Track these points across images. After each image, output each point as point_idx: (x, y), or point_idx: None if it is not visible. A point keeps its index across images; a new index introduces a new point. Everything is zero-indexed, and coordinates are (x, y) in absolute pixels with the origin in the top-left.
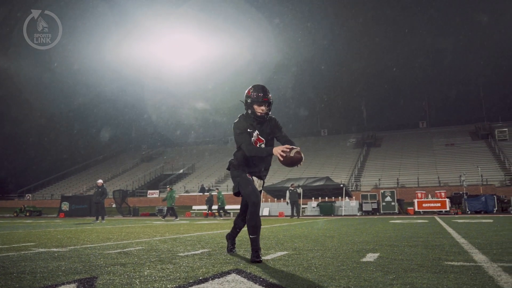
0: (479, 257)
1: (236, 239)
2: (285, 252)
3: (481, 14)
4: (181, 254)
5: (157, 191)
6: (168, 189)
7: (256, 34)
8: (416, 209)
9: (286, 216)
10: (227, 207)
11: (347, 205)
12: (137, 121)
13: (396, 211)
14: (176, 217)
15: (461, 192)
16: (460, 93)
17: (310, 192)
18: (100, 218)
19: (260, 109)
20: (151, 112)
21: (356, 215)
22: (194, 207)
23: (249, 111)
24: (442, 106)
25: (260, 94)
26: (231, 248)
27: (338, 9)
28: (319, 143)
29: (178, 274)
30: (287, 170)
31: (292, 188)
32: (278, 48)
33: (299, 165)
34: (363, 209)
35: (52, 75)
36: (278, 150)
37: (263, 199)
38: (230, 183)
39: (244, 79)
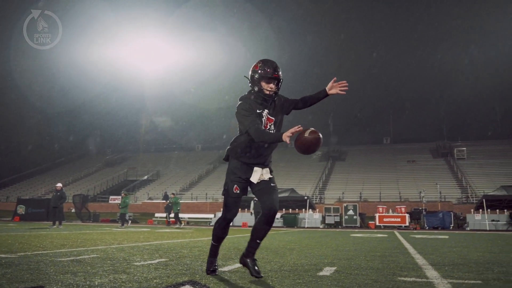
0: (431, 273)
1: (197, 249)
2: None
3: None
4: (137, 263)
5: (120, 197)
6: (123, 194)
7: (229, 41)
8: (377, 224)
9: (250, 226)
10: (186, 215)
11: (311, 218)
12: (102, 124)
13: (358, 224)
14: (122, 225)
15: (420, 208)
16: (423, 112)
17: None
18: (57, 223)
19: (268, 87)
20: (117, 116)
21: (319, 228)
22: (156, 215)
23: (255, 89)
24: (406, 124)
25: (269, 69)
26: (253, 268)
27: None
28: (285, 155)
29: (131, 285)
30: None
31: (257, 199)
32: (250, 56)
33: (317, 151)
34: (326, 222)
35: (20, 74)
36: (287, 134)
37: None
38: (195, 191)
39: (215, 86)
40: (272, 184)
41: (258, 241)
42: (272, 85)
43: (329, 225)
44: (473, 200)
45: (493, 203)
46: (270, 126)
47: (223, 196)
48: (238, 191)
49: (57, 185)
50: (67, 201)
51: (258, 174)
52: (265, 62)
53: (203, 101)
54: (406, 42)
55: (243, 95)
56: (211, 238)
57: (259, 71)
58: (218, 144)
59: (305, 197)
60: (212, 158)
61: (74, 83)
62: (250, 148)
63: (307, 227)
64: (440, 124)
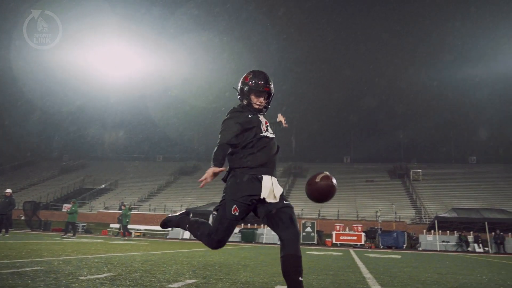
0: None
1: (149, 263)
2: (194, 281)
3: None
4: (83, 277)
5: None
6: (72, 202)
7: (193, 51)
8: (334, 241)
9: None
10: (142, 227)
11: (269, 233)
12: (60, 128)
13: (315, 242)
14: (65, 234)
15: (376, 227)
16: (383, 134)
17: None
18: (3, 231)
19: (258, 101)
20: (78, 121)
21: (276, 244)
22: (112, 225)
23: (244, 102)
24: (366, 144)
25: (260, 81)
26: None
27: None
28: None
29: None
30: (212, 193)
31: (216, 213)
32: (215, 67)
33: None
34: None
35: None
36: (215, 170)
37: None
38: (154, 203)
39: (178, 96)
40: (287, 207)
41: None
42: (262, 99)
43: None
44: (426, 221)
45: (444, 225)
46: (267, 127)
47: (214, 213)
48: (236, 213)
49: (6, 191)
50: (16, 208)
51: (268, 186)
52: (256, 74)
53: (167, 111)
54: (369, 64)
55: (233, 107)
56: (174, 251)
57: (249, 83)
58: (180, 155)
59: None
60: (173, 169)
61: (33, 85)
62: (263, 158)
63: (265, 243)
64: (398, 146)
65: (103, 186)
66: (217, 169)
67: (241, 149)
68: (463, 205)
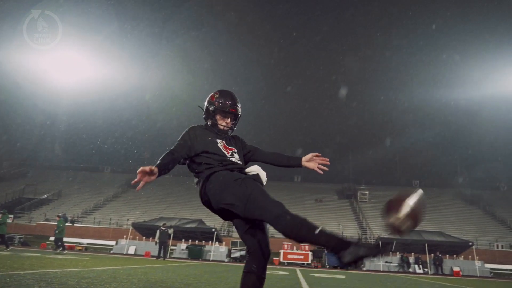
0: None
1: (86, 280)
2: None
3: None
4: None
5: (11, 216)
6: (0, 213)
7: (146, 61)
8: (281, 260)
9: (152, 256)
10: (85, 240)
11: (216, 250)
12: (1, 133)
13: None
14: (7, 247)
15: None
16: (332, 154)
17: (181, 234)
18: None
19: (224, 122)
20: (21, 126)
21: (224, 261)
22: (51, 238)
23: (209, 123)
24: None
25: (227, 102)
26: None
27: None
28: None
29: None
30: (161, 208)
31: (163, 228)
32: (165, 80)
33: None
34: (232, 255)
35: None
36: (148, 169)
37: (131, 236)
38: (99, 215)
39: (129, 107)
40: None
41: None
42: (228, 121)
43: (235, 259)
44: (371, 241)
45: (388, 246)
46: (232, 153)
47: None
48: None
49: None
50: None
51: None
52: (222, 94)
53: (117, 122)
54: (320, 86)
55: (196, 125)
56: (116, 267)
57: (215, 103)
58: (129, 167)
59: (213, 229)
60: (121, 182)
61: None
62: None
63: (212, 260)
64: (347, 168)
65: (45, 196)
66: (147, 168)
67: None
68: None
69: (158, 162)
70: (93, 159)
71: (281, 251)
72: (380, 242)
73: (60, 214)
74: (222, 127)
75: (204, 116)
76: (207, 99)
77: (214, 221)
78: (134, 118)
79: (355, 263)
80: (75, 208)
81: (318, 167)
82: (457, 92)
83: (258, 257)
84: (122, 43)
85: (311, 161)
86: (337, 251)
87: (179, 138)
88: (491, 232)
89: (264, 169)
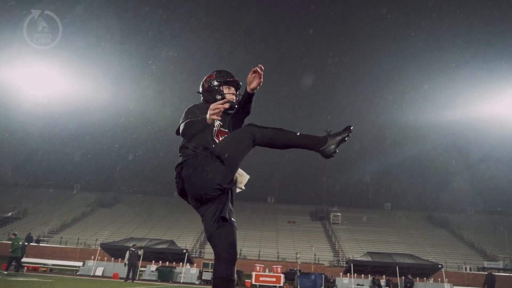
0: None
1: None
2: None
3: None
4: None
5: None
6: None
7: (114, 78)
8: (253, 282)
9: (121, 278)
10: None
11: (187, 272)
12: None
13: (235, 282)
14: None
15: (295, 269)
16: (306, 176)
17: (151, 255)
18: None
19: (230, 91)
20: None
21: (194, 284)
22: None
23: (218, 97)
24: (290, 185)
25: (227, 73)
26: None
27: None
28: (171, 204)
29: None
30: (131, 228)
31: (134, 249)
32: (135, 97)
33: None
34: (203, 277)
35: None
36: (212, 110)
37: (99, 257)
38: (66, 235)
39: (99, 123)
40: (233, 219)
41: None
42: (233, 89)
43: (206, 281)
44: (343, 263)
45: (359, 268)
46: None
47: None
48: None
49: None
50: None
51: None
52: (219, 70)
53: (87, 138)
54: (291, 108)
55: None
56: None
57: (217, 77)
58: (100, 186)
59: (184, 251)
60: (90, 200)
61: None
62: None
63: (183, 282)
64: (320, 190)
65: (9, 214)
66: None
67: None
68: (378, 249)
69: (196, 120)
70: (62, 176)
71: (253, 273)
72: (348, 127)
73: (15, 233)
74: (230, 97)
75: (204, 98)
76: (205, 80)
77: (185, 242)
78: (105, 135)
79: (336, 149)
80: (41, 227)
81: (257, 77)
82: (428, 117)
83: (229, 261)
84: (93, 59)
85: (253, 81)
86: (318, 148)
87: (183, 116)
88: (460, 254)
89: (235, 194)
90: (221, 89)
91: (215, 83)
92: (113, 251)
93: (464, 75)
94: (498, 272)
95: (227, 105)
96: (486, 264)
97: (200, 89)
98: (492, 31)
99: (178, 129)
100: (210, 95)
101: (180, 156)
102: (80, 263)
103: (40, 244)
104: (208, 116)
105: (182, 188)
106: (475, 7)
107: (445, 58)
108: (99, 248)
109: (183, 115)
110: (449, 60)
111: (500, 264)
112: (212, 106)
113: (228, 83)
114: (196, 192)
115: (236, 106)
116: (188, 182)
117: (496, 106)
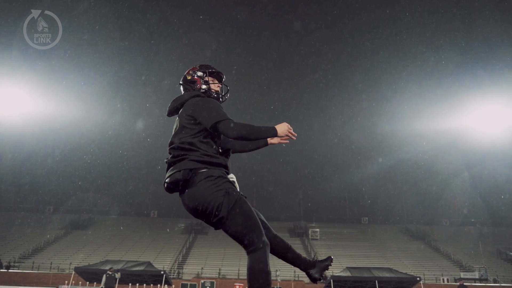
0: None
1: None
2: None
3: (303, 127)
4: None
5: None
6: None
7: (86, 99)
8: None
9: None
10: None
11: None
12: None
13: None
14: None
15: (275, 287)
16: (283, 193)
17: (128, 277)
18: None
19: (216, 86)
20: None
21: None
22: None
23: (204, 87)
24: (268, 202)
25: (211, 66)
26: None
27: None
28: (147, 224)
29: None
30: (107, 250)
31: (110, 273)
32: (106, 116)
33: None
34: None
35: None
36: (283, 129)
37: (73, 282)
38: (38, 259)
39: (73, 142)
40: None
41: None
42: (219, 84)
43: None
44: (322, 280)
45: (339, 283)
46: None
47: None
48: (235, 191)
49: None
50: None
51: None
52: (202, 64)
53: (60, 160)
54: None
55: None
56: None
57: (203, 68)
58: (73, 207)
59: (162, 272)
60: (64, 223)
61: None
62: (218, 148)
63: None
64: (298, 206)
65: None
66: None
67: (203, 142)
68: (357, 264)
69: (255, 127)
70: (34, 199)
71: None
72: (329, 257)
73: None
74: (217, 89)
75: (185, 89)
76: (187, 72)
77: (163, 263)
78: (79, 155)
79: (322, 275)
80: (12, 252)
81: (282, 140)
82: (403, 129)
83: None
84: (62, 78)
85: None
86: (308, 269)
87: (218, 106)
88: (437, 266)
89: None
90: (207, 79)
91: (200, 73)
92: (88, 275)
93: (438, 86)
94: (475, 283)
95: (289, 139)
96: (462, 275)
97: (182, 81)
98: (462, 44)
99: (218, 122)
100: (193, 86)
101: (178, 154)
102: None
103: (10, 271)
104: (280, 131)
105: (176, 190)
106: (445, 19)
107: (415, 70)
108: (73, 272)
109: (213, 108)
110: (419, 72)
111: (476, 275)
112: (288, 128)
113: (212, 74)
114: (198, 213)
115: (221, 100)
116: (194, 198)
117: (466, 118)
